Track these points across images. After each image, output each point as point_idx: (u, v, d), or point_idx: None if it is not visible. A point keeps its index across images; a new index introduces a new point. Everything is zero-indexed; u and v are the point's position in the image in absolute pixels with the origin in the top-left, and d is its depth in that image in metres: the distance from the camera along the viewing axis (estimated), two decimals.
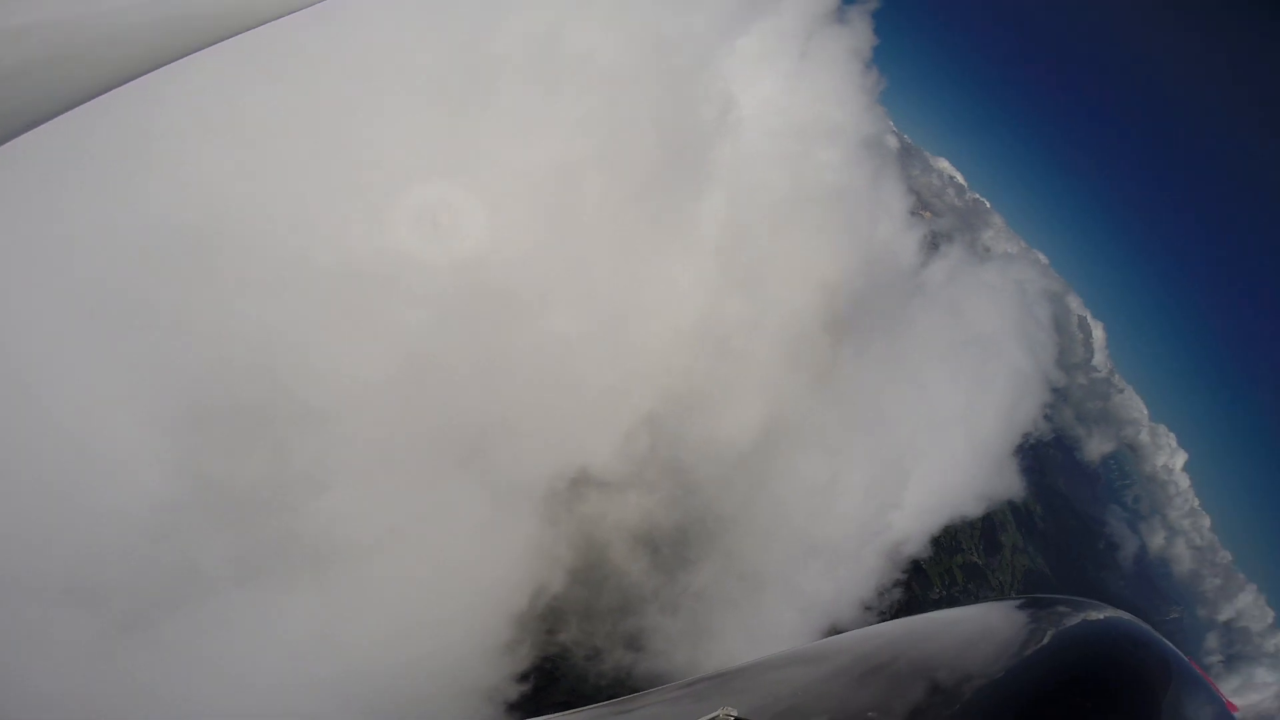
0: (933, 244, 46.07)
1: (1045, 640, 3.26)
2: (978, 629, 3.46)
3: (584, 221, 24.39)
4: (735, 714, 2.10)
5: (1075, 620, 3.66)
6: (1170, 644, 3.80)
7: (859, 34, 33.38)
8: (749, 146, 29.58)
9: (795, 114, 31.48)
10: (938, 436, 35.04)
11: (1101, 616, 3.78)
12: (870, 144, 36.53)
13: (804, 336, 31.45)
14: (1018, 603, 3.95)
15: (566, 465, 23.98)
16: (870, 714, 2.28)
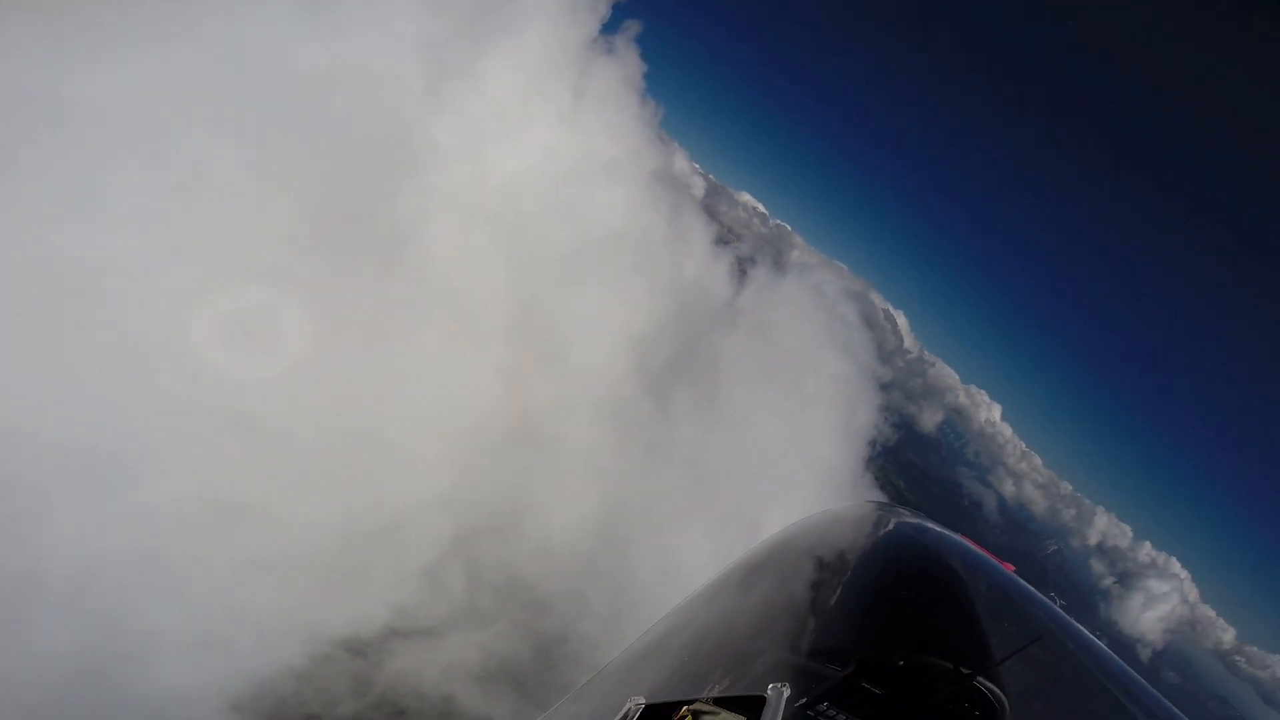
0: (741, 271, 46.09)
1: (863, 538, 4.02)
2: (806, 542, 3.94)
3: (326, 332, 20.46)
4: (644, 701, 2.47)
5: (886, 521, 4.42)
6: (949, 531, 4.55)
7: (628, 62, 31.39)
8: (525, 203, 26.94)
9: (571, 158, 29.07)
10: (788, 462, 33.54)
11: (910, 520, 4.56)
12: (661, 177, 34.88)
13: (623, 402, 28.58)
14: (837, 511, 4.48)
15: (363, 624, 19.70)
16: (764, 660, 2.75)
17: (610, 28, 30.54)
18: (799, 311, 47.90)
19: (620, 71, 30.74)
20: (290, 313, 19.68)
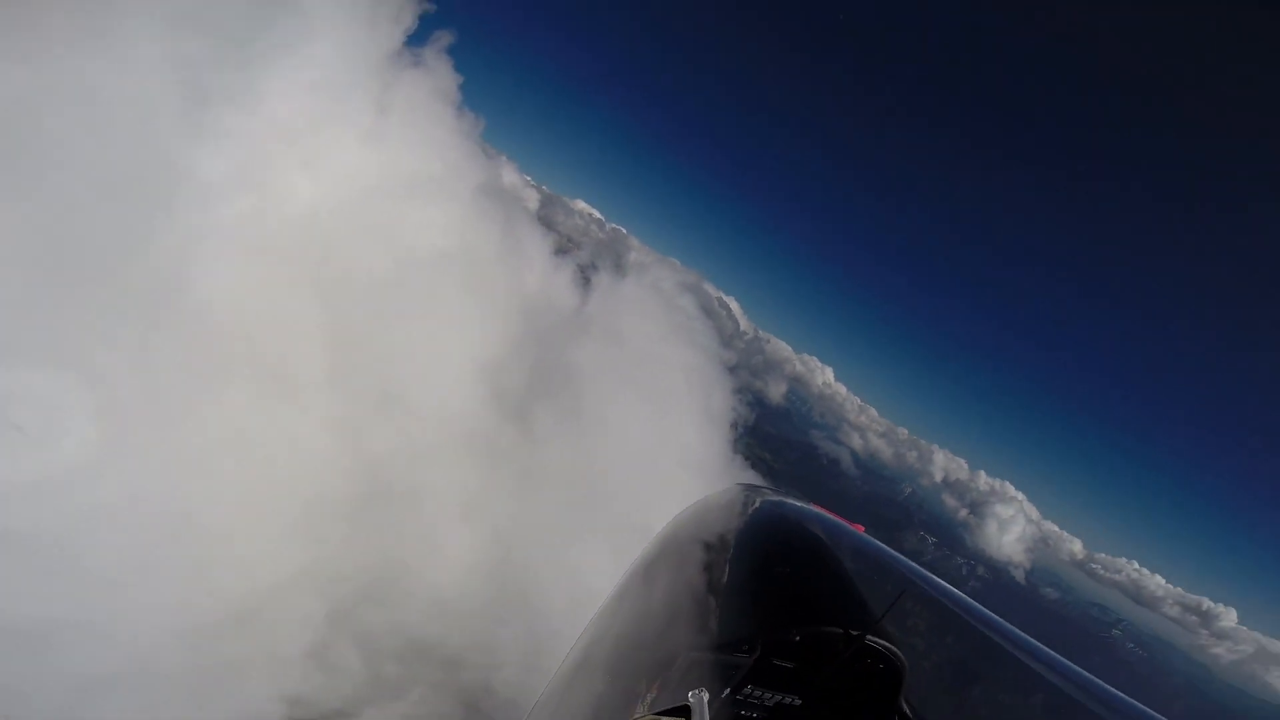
0: (584, 279, 45.05)
1: (735, 527, 4.07)
2: (684, 541, 3.96)
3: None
4: None
5: (751, 504, 4.56)
6: (805, 503, 4.88)
7: (439, 74, 28.57)
8: (331, 233, 23.64)
9: (380, 179, 26.02)
10: (662, 459, 33.03)
11: (771, 499, 4.83)
12: (489, 191, 32.17)
13: (482, 433, 26.56)
14: (704, 505, 4.51)
15: None
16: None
17: (417, 39, 28.10)
18: (644, 311, 47.94)
19: (430, 84, 28.03)
20: (50, 397, 15.65)
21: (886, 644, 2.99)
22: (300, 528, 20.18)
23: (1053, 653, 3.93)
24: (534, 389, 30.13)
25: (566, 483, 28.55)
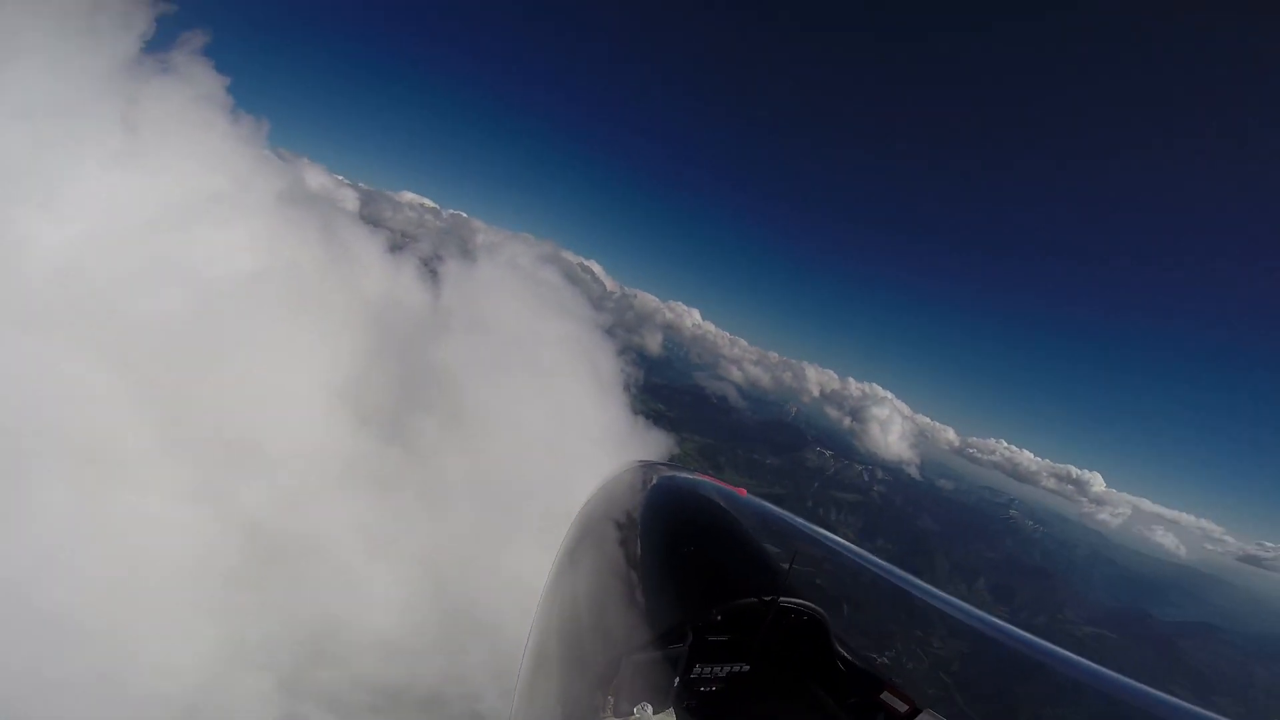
0: (430, 272, 41.17)
1: (634, 514, 4.09)
2: (595, 538, 4.04)
3: None
4: None
5: (644, 484, 4.56)
6: (693, 474, 5.09)
7: (197, 79, 23.98)
8: (108, 278, 19.30)
9: (150, 205, 21.46)
10: (565, 439, 31.28)
11: (665, 475, 4.84)
12: (294, 198, 27.91)
13: (362, 460, 23.51)
14: (601, 496, 4.49)
15: None
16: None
17: (160, 44, 23.94)
18: (506, 291, 45.36)
19: (186, 91, 23.66)
20: None
21: (799, 601, 3.19)
22: (203, 606, 18.09)
23: (914, 578, 4.53)
24: (405, 401, 27.28)
25: (474, 490, 26.37)
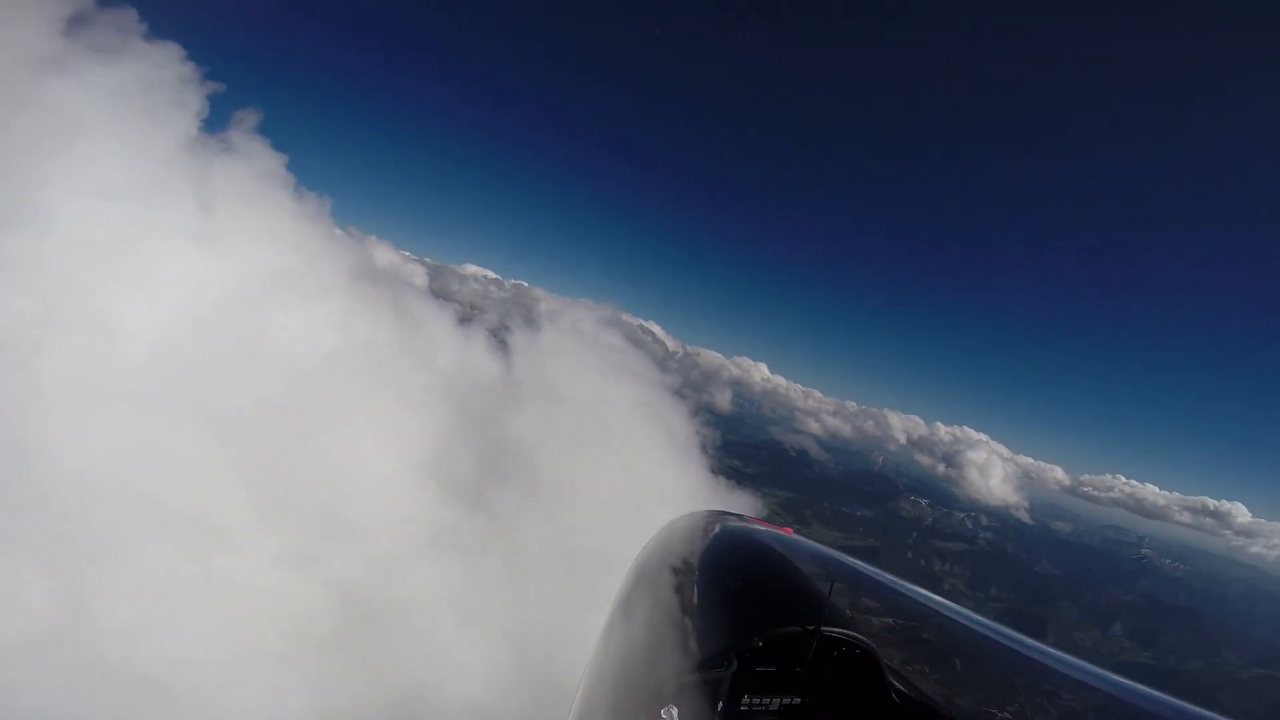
0: (500, 342, 41.98)
1: (688, 552, 4.31)
2: (653, 573, 4.26)
3: None
4: None
5: (712, 524, 4.95)
6: (739, 517, 5.36)
7: (258, 157, 24.15)
8: (198, 359, 20.09)
9: (231, 286, 22.23)
10: (645, 505, 30.13)
11: (716, 517, 5.21)
12: (363, 274, 28.51)
13: (448, 532, 23.39)
14: (660, 542, 4.82)
15: None
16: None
17: (216, 124, 24.42)
18: (572, 357, 45.57)
19: (250, 169, 24.25)
20: None
21: (844, 631, 3.22)
22: (296, 667, 18.24)
23: (979, 616, 4.43)
24: (486, 471, 27.07)
25: (556, 556, 25.83)
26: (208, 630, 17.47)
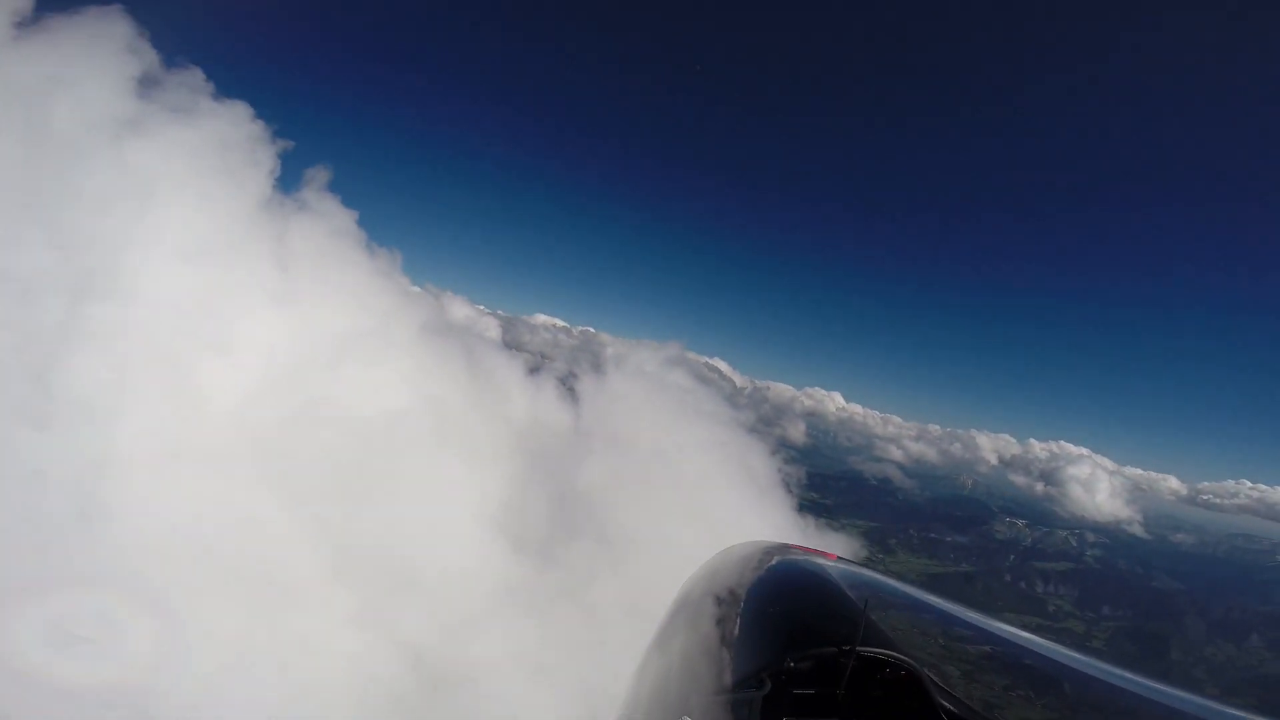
0: (569, 390, 41.50)
1: (731, 576, 4.36)
2: (698, 599, 4.35)
3: None
4: None
5: (754, 550, 4.94)
6: (781, 544, 5.29)
7: (331, 214, 24.25)
8: (276, 421, 20.45)
9: (315, 346, 22.54)
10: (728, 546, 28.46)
11: (759, 544, 5.13)
12: (436, 329, 28.81)
13: (520, 588, 22.71)
14: (709, 568, 4.90)
15: None
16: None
17: (289, 184, 24.65)
18: (640, 399, 44.57)
19: (325, 226, 24.63)
20: None
21: (883, 651, 3.08)
22: None
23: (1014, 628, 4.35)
24: (559, 524, 26.28)
25: (638, 610, 24.31)
26: (278, 691, 17.17)
